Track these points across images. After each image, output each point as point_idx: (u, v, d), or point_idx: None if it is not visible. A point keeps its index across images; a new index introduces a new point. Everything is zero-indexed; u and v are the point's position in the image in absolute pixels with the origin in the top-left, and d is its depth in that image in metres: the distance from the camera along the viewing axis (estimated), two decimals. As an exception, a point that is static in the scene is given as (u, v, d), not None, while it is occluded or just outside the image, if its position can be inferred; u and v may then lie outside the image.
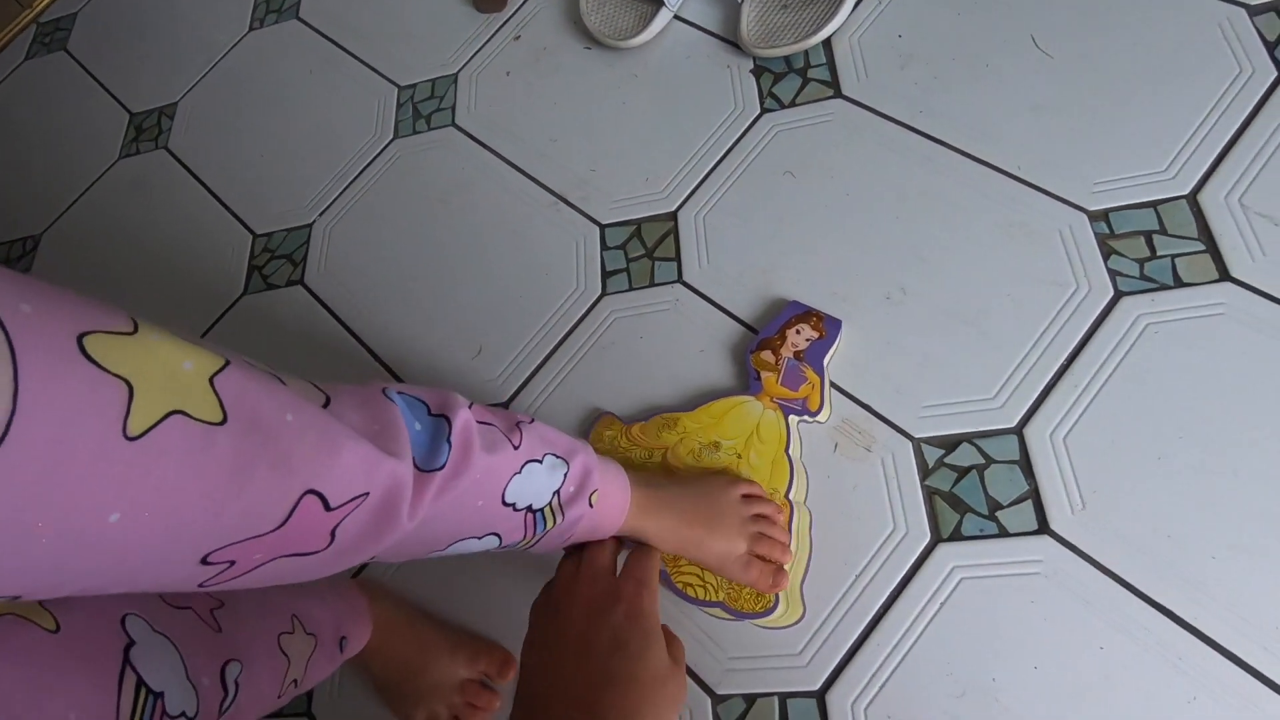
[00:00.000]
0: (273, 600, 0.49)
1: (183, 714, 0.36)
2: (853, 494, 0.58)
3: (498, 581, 0.64)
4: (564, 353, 0.71)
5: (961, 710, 0.50)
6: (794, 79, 0.76)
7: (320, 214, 0.88)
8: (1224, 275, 0.57)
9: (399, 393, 0.38)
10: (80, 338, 0.24)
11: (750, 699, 0.54)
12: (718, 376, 0.65)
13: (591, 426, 0.66)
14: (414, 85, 0.93)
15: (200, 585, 0.31)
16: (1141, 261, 0.59)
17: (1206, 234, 0.59)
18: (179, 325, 0.30)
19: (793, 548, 0.55)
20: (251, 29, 1.08)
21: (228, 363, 0.29)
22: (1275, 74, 0.62)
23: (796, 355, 0.62)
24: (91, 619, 0.34)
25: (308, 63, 1.01)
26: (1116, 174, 0.63)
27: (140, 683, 0.34)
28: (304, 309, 0.82)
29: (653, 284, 0.71)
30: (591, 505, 0.46)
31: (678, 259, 0.72)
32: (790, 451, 0.59)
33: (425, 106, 0.91)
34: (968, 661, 0.51)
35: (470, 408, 0.40)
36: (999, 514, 0.55)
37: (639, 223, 0.75)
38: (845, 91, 0.74)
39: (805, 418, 0.61)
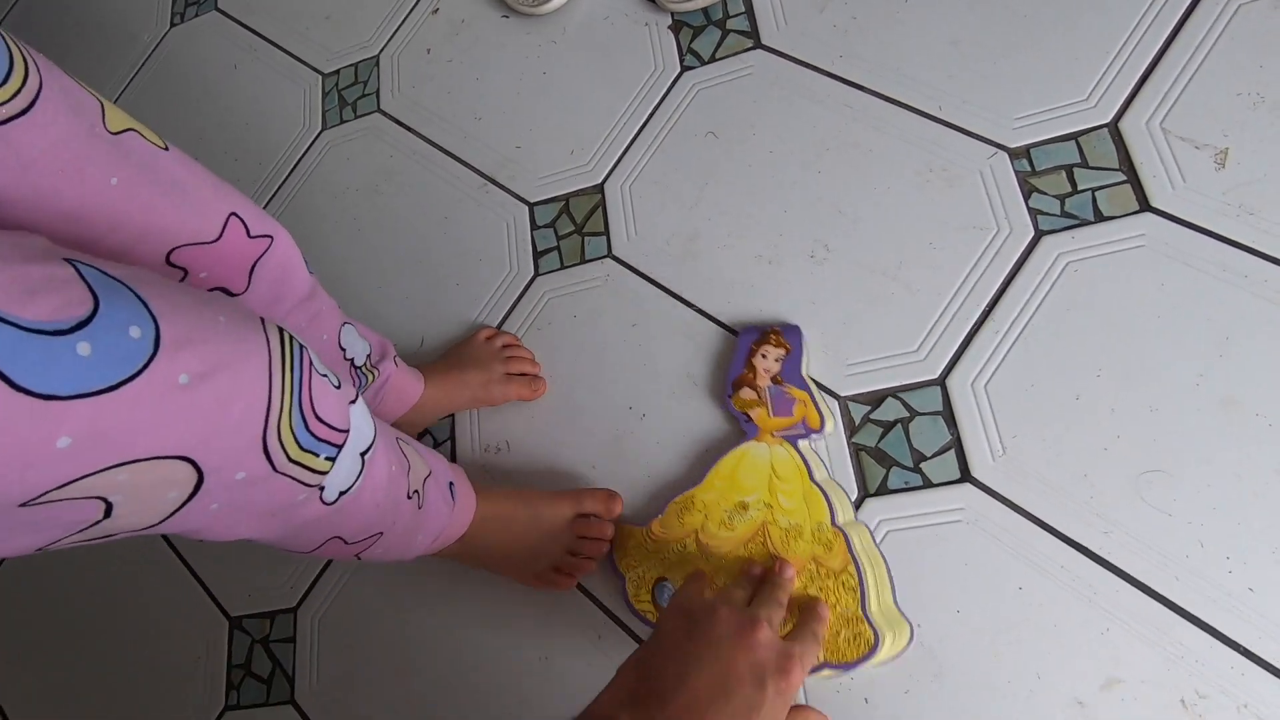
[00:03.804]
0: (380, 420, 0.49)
1: (327, 377, 0.36)
2: (783, 457, 0.59)
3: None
4: (503, 337, 0.72)
5: (889, 656, 0.53)
6: (713, 32, 0.74)
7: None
8: (1144, 206, 0.56)
9: None
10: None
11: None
12: (656, 348, 0.66)
13: (612, 544, 0.60)
14: (337, 71, 0.91)
15: None
16: (1062, 198, 0.58)
17: (1128, 163, 0.58)
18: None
19: (866, 570, 0.52)
20: (173, 24, 1.06)
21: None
22: (1200, -17, 0.59)
23: (774, 380, 0.58)
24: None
25: (231, 56, 0.99)
26: (1037, 107, 0.61)
27: (282, 330, 0.35)
28: (252, 313, 0.83)
29: (583, 260, 0.71)
30: (396, 365, 0.61)
31: (606, 233, 0.71)
32: (816, 478, 0.55)
33: (350, 93, 0.89)
34: (894, 610, 0.53)
35: None
36: (923, 465, 0.56)
37: (567, 198, 0.74)
38: (765, 41, 0.72)
39: (812, 438, 0.57)
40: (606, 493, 0.61)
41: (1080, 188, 0.58)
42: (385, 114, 0.86)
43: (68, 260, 0.27)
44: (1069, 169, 0.59)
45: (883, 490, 0.56)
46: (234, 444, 0.31)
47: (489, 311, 0.73)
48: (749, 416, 0.58)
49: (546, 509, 0.59)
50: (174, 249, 0.41)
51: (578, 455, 0.65)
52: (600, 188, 0.73)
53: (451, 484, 0.55)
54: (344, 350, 0.55)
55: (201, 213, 0.42)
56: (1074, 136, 0.59)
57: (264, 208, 0.88)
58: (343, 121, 0.88)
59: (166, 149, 0.41)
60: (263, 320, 0.34)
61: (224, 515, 0.34)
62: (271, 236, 0.47)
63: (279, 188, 0.88)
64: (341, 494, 0.39)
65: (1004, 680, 0.50)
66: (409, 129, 0.84)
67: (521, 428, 0.68)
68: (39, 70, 0.35)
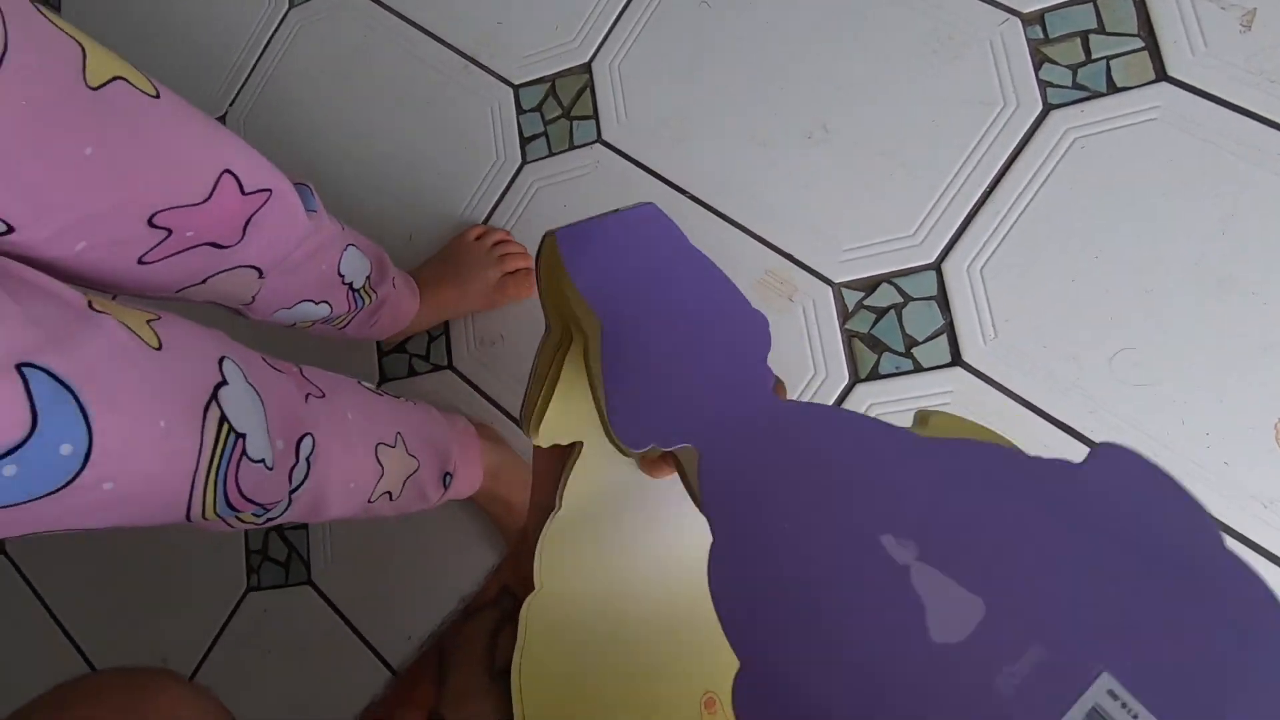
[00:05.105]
0: (379, 412, 0.50)
1: (262, 461, 0.38)
2: (775, 343, 0.59)
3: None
4: (492, 229, 0.70)
5: (873, 531, 0.55)
6: (706, -116, 0.67)
7: (230, 104, 0.83)
8: (1161, 75, 0.53)
9: None
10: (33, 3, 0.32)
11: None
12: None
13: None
14: (300, -60, 0.84)
15: (142, 260, 0.38)
16: (1075, 68, 0.55)
17: (1147, 27, 0.54)
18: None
19: None
20: (116, -112, 0.96)
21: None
22: None
23: None
24: (191, 347, 0.36)
25: (183, -75, 0.90)
26: (1056, -35, 0.56)
27: (224, 419, 0.35)
28: (235, 209, 0.81)
29: (572, 147, 0.68)
30: (395, 286, 0.60)
31: (595, 116, 0.68)
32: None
33: (315, -35, 0.82)
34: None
35: None
36: (915, 350, 0.56)
37: (553, 79, 0.70)
38: (763, -107, 0.65)
39: None
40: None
41: (1095, 56, 0.55)
42: (355, -12, 0.80)
43: (19, 368, 0.28)
44: (1084, 35, 0.55)
45: (873, 376, 0.57)
46: (154, 519, 0.35)
47: (477, 204, 0.71)
48: None
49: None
50: (157, 212, 0.37)
51: (572, 347, 0.65)
52: (588, 66, 0.69)
53: (447, 475, 0.55)
54: (343, 276, 0.53)
55: (190, 173, 0.38)
56: (1093, -2, 0.55)
57: (233, 100, 0.84)
58: (310, -2, 0.82)
59: (157, 96, 0.37)
60: (206, 410, 0.34)
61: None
62: (269, 190, 0.43)
63: (248, 77, 0.83)
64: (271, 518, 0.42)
65: (981, 550, 0.52)
66: (382, 4, 0.78)
67: (515, 319, 0.68)
68: (2, 18, 0.30)
